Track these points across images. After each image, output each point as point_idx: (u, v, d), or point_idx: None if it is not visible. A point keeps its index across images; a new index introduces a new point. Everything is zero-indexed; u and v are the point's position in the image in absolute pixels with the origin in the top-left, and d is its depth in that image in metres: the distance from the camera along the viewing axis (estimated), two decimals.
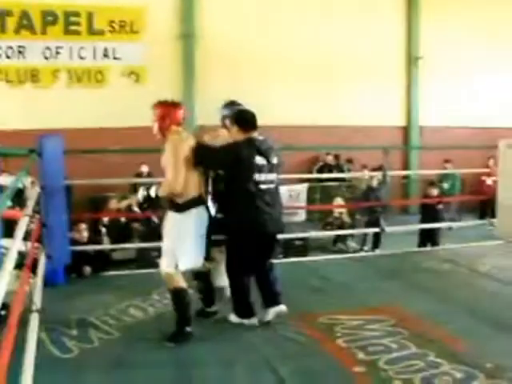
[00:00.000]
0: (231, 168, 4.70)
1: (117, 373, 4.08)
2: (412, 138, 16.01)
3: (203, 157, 4.67)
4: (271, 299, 4.89)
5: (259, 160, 4.69)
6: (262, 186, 4.69)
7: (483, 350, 4.33)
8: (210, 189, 4.94)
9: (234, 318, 4.92)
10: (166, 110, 4.70)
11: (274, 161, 4.82)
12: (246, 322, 4.87)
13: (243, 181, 4.66)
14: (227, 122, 5.15)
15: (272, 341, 4.57)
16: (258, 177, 4.67)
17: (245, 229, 4.73)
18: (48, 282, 5.80)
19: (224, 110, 5.40)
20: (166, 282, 4.62)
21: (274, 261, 5.14)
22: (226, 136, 5.00)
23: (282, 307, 4.86)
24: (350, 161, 14.62)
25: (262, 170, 4.70)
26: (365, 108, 14.85)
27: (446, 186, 13.46)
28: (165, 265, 4.56)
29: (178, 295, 4.57)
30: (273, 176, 4.80)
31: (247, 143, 4.71)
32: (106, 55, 13.16)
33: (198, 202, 4.61)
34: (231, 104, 5.45)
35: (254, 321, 4.87)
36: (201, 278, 5.00)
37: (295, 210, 13.01)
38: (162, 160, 4.61)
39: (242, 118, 4.86)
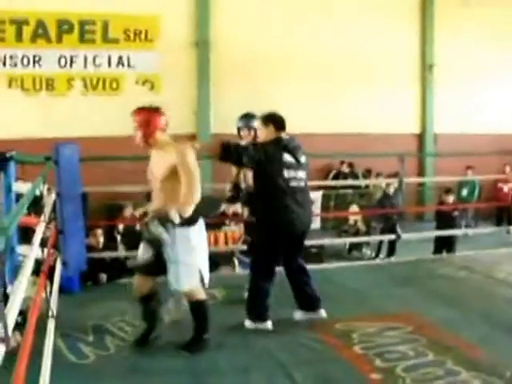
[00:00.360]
0: (261, 164, 4.73)
1: (133, 379, 4.07)
2: (427, 145, 15.96)
3: (233, 153, 4.67)
4: (308, 303, 5.10)
5: (287, 157, 4.79)
6: (292, 184, 4.77)
7: (501, 357, 4.29)
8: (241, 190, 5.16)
9: (248, 323, 4.94)
10: (149, 115, 4.39)
11: (302, 159, 4.93)
12: (260, 326, 4.89)
13: (273, 177, 4.73)
14: (244, 132, 5.70)
15: (288, 347, 4.55)
16: (287, 174, 4.75)
17: (275, 226, 4.80)
18: (64, 289, 5.82)
19: (239, 121, 5.76)
20: (188, 296, 4.47)
21: None
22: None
23: (322, 312, 5.09)
24: (368, 171, 14.54)
25: (291, 168, 4.79)
26: (380, 115, 14.83)
27: (465, 192, 13.42)
28: (191, 283, 4.37)
29: (199, 307, 4.49)
30: (302, 174, 4.90)
31: (275, 141, 4.84)
32: (120, 63, 13.24)
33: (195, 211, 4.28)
34: (246, 116, 5.78)
35: (267, 325, 4.91)
36: (147, 300, 4.57)
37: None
38: (153, 169, 4.42)
39: (274, 118, 5.01)
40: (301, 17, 14.21)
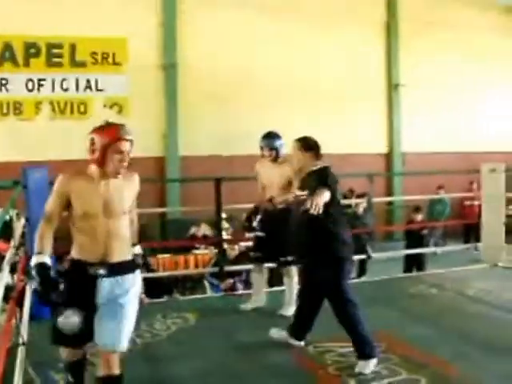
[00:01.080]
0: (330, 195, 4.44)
1: None
2: (395, 164, 16.12)
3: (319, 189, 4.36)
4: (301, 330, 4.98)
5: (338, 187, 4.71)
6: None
7: (476, 374, 4.33)
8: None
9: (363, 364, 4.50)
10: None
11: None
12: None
13: (338, 206, 4.63)
14: (266, 151, 5.90)
15: (261, 368, 4.53)
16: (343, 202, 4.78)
17: (346, 253, 4.69)
18: (34, 316, 5.73)
19: (262, 141, 5.97)
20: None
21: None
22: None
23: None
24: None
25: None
26: (347, 135, 14.95)
27: (436, 210, 13.59)
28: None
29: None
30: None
31: (330, 169, 4.73)
32: (88, 87, 13.19)
33: None
34: (269, 135, 5.99)
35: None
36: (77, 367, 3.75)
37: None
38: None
39: (316, 145, 4.88)
40: (269, 40, 14.33)
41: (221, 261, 7.92)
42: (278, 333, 5.02)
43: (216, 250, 8.53)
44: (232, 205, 8.12)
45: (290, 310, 5.87)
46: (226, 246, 9.02)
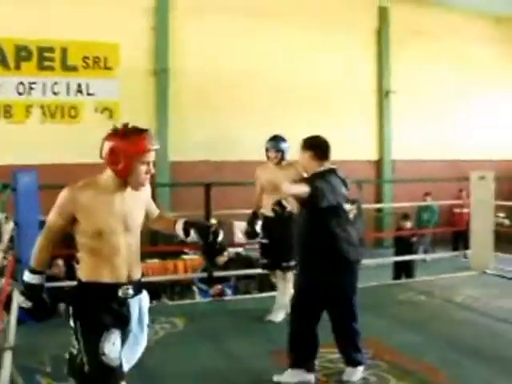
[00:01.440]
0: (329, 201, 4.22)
1: None
2: (385, 171, 16.17)
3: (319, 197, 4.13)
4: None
5: (344, 190, 4.42)
6: (350, 216, 4.39)
7: (463, 379, 4.35)
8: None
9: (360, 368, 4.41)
10: None
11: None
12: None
13: (339, 211, 4.32)
14: (271, 153, 5.97)
15: (249, 373, 4.53)
16: (346, 207, 4.37)
17: (352, 257, 4.33)
18: (21, 320, 5.70)
19: (268, 143, 6.08)
20: None
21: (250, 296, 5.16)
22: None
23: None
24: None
25: (346, 201, 4.41)
26: (338, 142, 14.79)
27: (425, 218, 13.64)
28: None
29: None
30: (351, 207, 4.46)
31: (333, 173, 4.41)
32: (79, 91, 13.14)
33: None
34: (275, 138, 6.09)
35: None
36: None
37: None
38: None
39: (319, 144, 4.48)
40: (260, 46, 14.33)
41: (210, 266, 7.89)
42: (283, 376, 4.37)
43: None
44: (222, 210, 8.12)
45: (280, 316, 5.89)
46: None
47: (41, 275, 3.00)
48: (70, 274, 8.20)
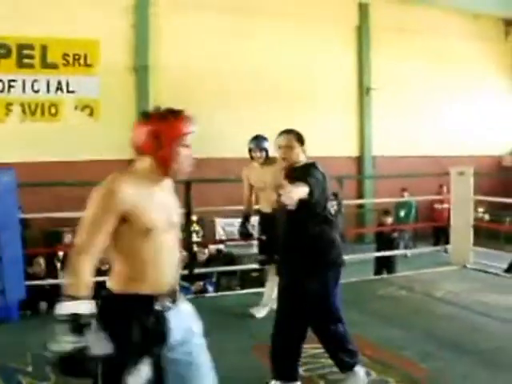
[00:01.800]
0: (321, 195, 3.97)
1: None
2: (365, 167, 16.24)
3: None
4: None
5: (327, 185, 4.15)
6: (331, 211, 4.16)
7: (443, 374, 4.39)
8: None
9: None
10: None
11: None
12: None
13: (325, 208, 4.09)
14: (256, 153, 6.01)
15: (231, 369, 4.54)
16: (329, 204, 4.13)
17: (337, 256, 4.16)
18: (2, 319, 5.68)
19: (251, 143, 6.11)
20: None
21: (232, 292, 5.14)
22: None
23: None
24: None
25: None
26: (318, 139, 14.89)
27: (402, 213, 13.70)
28: None
29: None
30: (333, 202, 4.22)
31: (315, 166, 4.16)
32: (59, 88, 13.06)
33: None
34: (257, 137, 6.13)
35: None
36: None
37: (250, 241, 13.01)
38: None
39: (303, 138, 4.25)
40: (242, 42, 14.32)
41: (191, 263, 7.89)
42: None
43: (186, 253, 8.51)
44: (204, 207, 8.11)
45: (262, 313, 5.92)
46: (196, 248, 9.02)
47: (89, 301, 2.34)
48: (51, 272, 8.20)
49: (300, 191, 3.63)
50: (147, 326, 2.44)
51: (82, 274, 2.37)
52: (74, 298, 2.30)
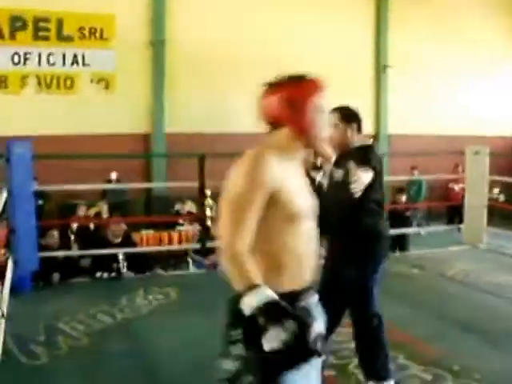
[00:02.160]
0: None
1: (86, 379, 4.05)
2: (381, 145, 16.15)
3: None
4: None
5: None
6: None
7: (451, 352, 4.39)
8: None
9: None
10: None
11: None
12: None
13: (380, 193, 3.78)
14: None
15: None
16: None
17: (382, 249, 3.86)
18: (15, 289, 5.74)
19: None
20: None
21: None
22: None
23: None
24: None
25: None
26: None
27: (412, 192, 13.65)
28: None
29: None
30: None
31: (373, 148, 3.88)
32: (75, 61, 13.04)
33: None
34: None
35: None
36: None
37: None
38: None
39: (358, 115, 3.86)
40: (256, 17, 14.21)
41: (204, 238, 7.92)
42: None
43: (200, 227, 8.54)
44: (219, 181, 8.10)
45: None
46: (209, 223, 9.05)
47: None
48: (64, 244, 8.26)
49: (366, 177, 3.43)
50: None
51: (245, 269, 2.06)
52: (253, 287, 1.99)
